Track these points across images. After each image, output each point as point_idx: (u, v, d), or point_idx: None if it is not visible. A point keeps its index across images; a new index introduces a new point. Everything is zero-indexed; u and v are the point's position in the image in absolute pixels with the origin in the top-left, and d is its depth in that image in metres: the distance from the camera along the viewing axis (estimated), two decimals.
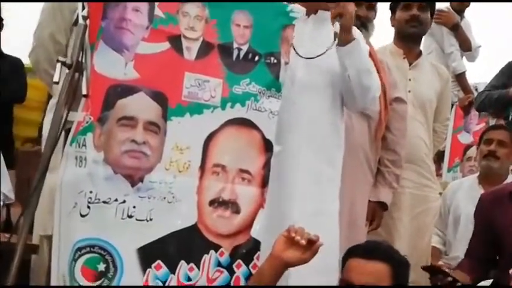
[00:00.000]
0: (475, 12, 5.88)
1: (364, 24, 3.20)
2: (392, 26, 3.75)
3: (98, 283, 2.36)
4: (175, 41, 2.54)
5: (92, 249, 2.36)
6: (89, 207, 2.35)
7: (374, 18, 3.35)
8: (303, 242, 2.14)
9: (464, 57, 5.69)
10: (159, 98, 2.49)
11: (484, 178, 3.87)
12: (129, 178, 2.42)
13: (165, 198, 2.47)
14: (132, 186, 2.42)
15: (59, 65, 2.37)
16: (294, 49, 2.60)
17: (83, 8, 2.39)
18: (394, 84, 3.24)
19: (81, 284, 2.34)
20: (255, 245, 2.59)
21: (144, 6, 2.48)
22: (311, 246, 2.15)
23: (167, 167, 2.49)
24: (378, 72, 2.74)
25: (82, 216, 2.35)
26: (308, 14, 2.70)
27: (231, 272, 2.57)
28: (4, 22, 4.44)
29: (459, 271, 2.89)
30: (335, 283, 2.34)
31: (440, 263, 3.59)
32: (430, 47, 5.34)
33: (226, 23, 2.63)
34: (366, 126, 3.04)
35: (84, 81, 2.34)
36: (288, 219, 2.49)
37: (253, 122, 2.65)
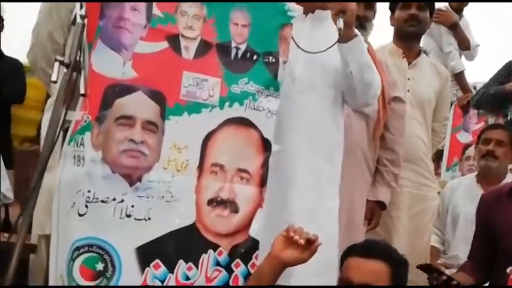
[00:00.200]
0: (473, 11, 5.89)
1: (363, 24, 3.20)
2: (392, 25, 3.75)
3: (96, 282, 2.35)
4: (174, 40, 2.53)
5: (90, 248, 2.35)
6: (87, 206, 2.34)
7: (373, 18, 3.35)
8: (302, 241, 2.14)
9: (463, 56, 5.69)
10: (157, 97, 2.48)
11: (483, 177, 3.87)
12: (127, 177, 2.41)
13: (163, 197, 2.46)
14: (130, 185, 2.41)
15: (57, 64, 2.35)
16: (295, 43, 2.59)
17: (81, 7, 2.38)
18: (392, 83, 3.25)
19: (80, 283, 2.33)
20: (253, 244, 2.58)
21: (142, 5, 2.46)
22: (310, 246, 2.15)
23: (165, 166, 2.48)
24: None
25: (80, 215, 2.34)
26: (306, 13, 2.70)
27: (230, 272, 2.56)
28: (4, 23, 4.44)
29: (462, 273, 2.89)
30: (334, 281, 2.34)
31: (438, 262, 3.60)
32: (428, 46, 5.33)
33: (225, 22, 2.63)
34: (365, 125, 3.04)
35: (82, 80, 2.34)
36: (287, 218, 2.49)
37: (252, 121, 2.64)
